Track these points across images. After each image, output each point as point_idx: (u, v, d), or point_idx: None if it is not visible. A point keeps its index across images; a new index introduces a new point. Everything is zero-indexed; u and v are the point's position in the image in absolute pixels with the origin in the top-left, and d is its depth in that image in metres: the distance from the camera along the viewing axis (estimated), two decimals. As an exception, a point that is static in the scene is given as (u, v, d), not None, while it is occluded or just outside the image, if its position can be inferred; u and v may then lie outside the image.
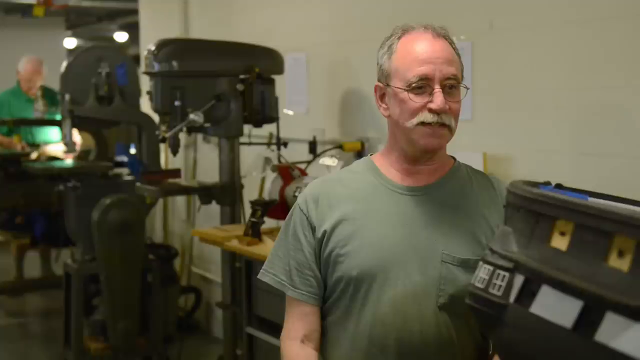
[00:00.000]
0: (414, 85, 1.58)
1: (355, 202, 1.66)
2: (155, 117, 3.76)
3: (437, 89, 1.57)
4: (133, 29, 7.72)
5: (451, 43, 1.64)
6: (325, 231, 1.65)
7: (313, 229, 1.67)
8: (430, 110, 1.57)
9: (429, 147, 1.61)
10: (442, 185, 1.67)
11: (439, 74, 1.57)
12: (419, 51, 1.60)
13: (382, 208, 1.65)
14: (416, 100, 1.58)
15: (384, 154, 1.71)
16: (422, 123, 1.58)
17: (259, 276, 1.76)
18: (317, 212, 1.67)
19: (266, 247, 3.00)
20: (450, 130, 1.61)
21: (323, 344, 1.71)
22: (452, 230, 1.62)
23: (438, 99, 1.56)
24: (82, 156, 4.62)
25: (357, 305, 1.63)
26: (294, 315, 1.71)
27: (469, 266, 1.56)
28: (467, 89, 1.63)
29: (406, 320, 1.59)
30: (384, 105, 1.67)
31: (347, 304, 1.64)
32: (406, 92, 1.59)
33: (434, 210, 1.64)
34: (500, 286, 1.31)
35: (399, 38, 1.63)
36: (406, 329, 1.59)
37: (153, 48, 3.50)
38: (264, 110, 3.59)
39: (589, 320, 1.13)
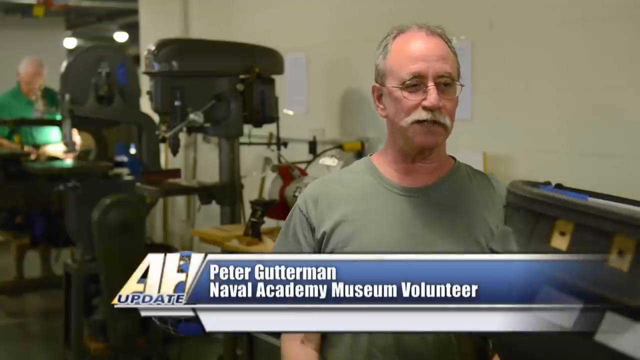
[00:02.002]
0: (407, 83, 1.58)
1: (355, 202, 1.66)
2: (155, 117, 3.76)
3: (431, 85, 1.56)
4: (133, 29, 7.73)
5: (447, 42, 1.63)
6: (324, 232, 1.65)
7: (313, 230, 1.67)
8: (425, 108, 1.56)
9: (424, 145, 1.60)
10: (441, 186, 1.67)
11: (432, 71, 1.57)
12: (413, 49, 1.59)
13: (381, 209, 1.64)
14: (410, 99, 1.58)
15: (383, 154, 1.72)
16: (417, 121, 1.58)
17: None
18: (316, 212, 1.67)
19: (266, 247, 3.00)
20: (446, 129, 1.60)
21: (323, 345, 1.70)
22: (451, 231, 1.62)
23: (431, 96, 1.56)
24: (82, 156, 4.62)
25: None
26: None
27: None
28: (462, 85, 1.62)
29: None
30: (381, 106, 1.67)
31: None
32: (400, 91, 1.59)
33: (433, 211, 1.63)
34: (500, 286, 1.31)
35: (394, 38, 1.63)
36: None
37: (153, 48, 3.50)
38: (264, 110, 3.59)
39: (588, 320, 1.14)
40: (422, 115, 1.57)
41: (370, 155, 1.77)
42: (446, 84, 1.58)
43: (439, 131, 1.59)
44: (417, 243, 1.61)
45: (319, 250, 1.66)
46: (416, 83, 1.58)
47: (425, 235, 1.61)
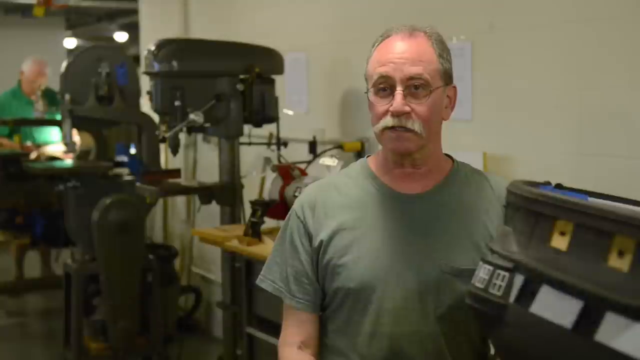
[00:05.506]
0: (379, 86, 1.56)
1: (352, 210, 1.64)
2: (155, 117, 3.76)
3: (398, 90, 1.53)
4: (133, 29, 7.72)
5: (434, 42, 1.58)
6: (322, 241, 1.63)
7: (310, 237, 1.65)
8: (392, 114, 1.54)
9: (396, 150, 1.59)
10: (439, 192, 1.64)
11: (399, 74, 1.53)
12: (383, 52, 1.57)
13: (379, 216, 1.62)
14: (380, 104, 1.56)
15: (378, 157, 1.69)
16: (386, 127, 1.55)
17: (257, 282, 1.74)
18: (313, 220, 1.65)
19: (266, 247, 3.00)
20: (417, 135, 1.55)
21: (322, 353, 1.70)
22: (450, 239, 1.60)
23: (395, 101, 1.53)
24: (82, 156, 4.62)
25: (356, 316, 1.61)
26: (291, 322, 1.70)
27: (468, 276, 1.47)
28: (431, 89, 1.54)
29: (405, 331, 1.58)
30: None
31: (346, 314, 1.63)
32: (373, 96, 1.57)
33: (431, 217, 1.61)
34: (500, 286, 1.31)
35: (379, 43, 1.61)
36: (405, 339, 1.58)
37: (153, 48, 3.50)
38: (263, 110, 3.59)
39: (589, 320, 1.13)
40: (388, 122, 1.55)
41: (368, 156, 1.75)
42: (417, 87, 1.54)
43: (409, 137, 1.55)
44: (416, 250, 1.59)
45: (316, 258, 1.66)
46: (385, 87, 1.55)
47: (425, 243, 1.60)
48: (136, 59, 5.67)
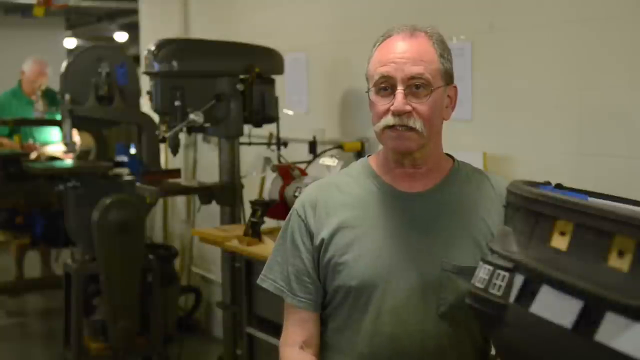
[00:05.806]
0: (380, 86, 1.57)
1: (353, 208, 1.64)
2: (155, 117, 3.76)
3: (399, 90, 1.54)
4: (133, 29, 7.72)
5: (435, 42, 1.59)
6: (323, 239, 1.63)
7: (311, 236, 1.65)
8: (393, 113, 1.55)
9: (397, 149, 1.59)
10: (439, 190, 1.64)
11: (400, 73, 1.54)
12: (385, 52, 1.58)
13: (380, 215, 1.62)
14: (381, 103, 1.57)
15: (379, 157, 1.70)
16: (387, 126, 1.56)
17: (258, 282, 1.74)
18: (315, 219, 1.65)
19: (266, 247, 3.00)
20: (419, 134, 1.55)
21: (323, 351, 1.69)
22: (451, 237, 1.60)
23: (396, 100, 1.53)
24: (82, 156, 4.62)
25: (357, 315, 1.61)
26: (292, 322, 1.70)
27: (469, 274, 1.48)
28: (432, 88, 1.55)
29: (407, 329, 1.58)
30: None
31: (347, 312, 1.63)
32: (374, 95, 1.58)
33: (432, 216, 1.62)
34: (500, 286, 1.31)
35: (380, 44, 1.62)
36: (407, 338, 1.58)
37: (153, 48, 3.50)
38: (263, 110, 3.59)
39: (589, 320, 1.13)
40: (389, 120, 1.55)
41: (369, 156, 1.75)
42: (418, 86, 1.55)
43: (411, 136, 1.56)
44: (417, 248, 1.59)
45: (317, 256, 1.66)
46: (386, 87, 1.56)
47: (426, 241, 1.60)
48: (136, 59, 5.67)
